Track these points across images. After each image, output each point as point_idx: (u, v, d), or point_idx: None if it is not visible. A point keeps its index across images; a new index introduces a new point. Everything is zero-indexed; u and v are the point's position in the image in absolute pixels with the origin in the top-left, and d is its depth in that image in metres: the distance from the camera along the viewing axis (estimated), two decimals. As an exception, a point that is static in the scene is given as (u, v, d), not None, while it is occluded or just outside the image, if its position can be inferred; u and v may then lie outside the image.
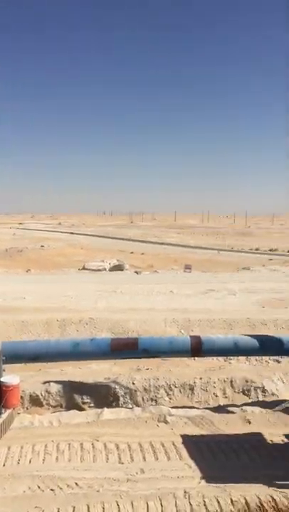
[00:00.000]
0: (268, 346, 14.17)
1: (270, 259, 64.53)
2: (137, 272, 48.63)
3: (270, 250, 79.25)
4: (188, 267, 49.76)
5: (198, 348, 13.84)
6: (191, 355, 14.41)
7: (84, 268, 50.09)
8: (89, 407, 15.68)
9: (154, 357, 14.65)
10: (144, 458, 11.36)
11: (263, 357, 19.51)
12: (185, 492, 9.93)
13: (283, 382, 16.73)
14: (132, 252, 73.67)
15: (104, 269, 50.48)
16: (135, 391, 16.04)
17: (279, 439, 12.49)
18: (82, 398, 16.08)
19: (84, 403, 15.95)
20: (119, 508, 9.39)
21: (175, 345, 13.91)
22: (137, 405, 15.52)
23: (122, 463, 11.17)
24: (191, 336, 14.52)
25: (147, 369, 17.43)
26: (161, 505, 9.49)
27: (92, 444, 11.95)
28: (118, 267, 52.03)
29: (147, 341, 14.16)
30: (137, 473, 10.68)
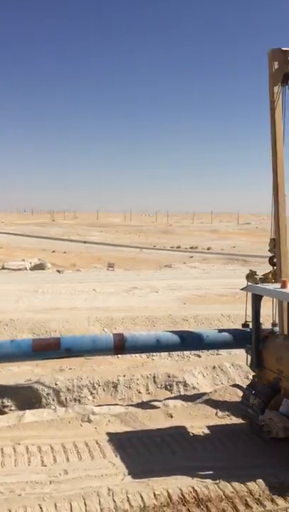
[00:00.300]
0: (189, 342, 14.57)
1: (191, 257, 66.18)
2: (59, 271, 47.95)
3: (190, 248, 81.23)
4: (111, 266, 49.84)
5: (121, 346, 13.93)
6: (114, 353, 14.48)
7: (3, 268, 48.64)
8: (10, 410, 15.29)
9: (77, 356, 14.56)
10: (67, 459, 11.27)
11: (185, 352, 20.03)
12: (109, 490, 9.97)
13: (204, 376, 17.28)
14: (53, 251, 72.49)
15: (25, 269, 49.31)
16: (58, 392, 15.86)
17: (200, 431, 12.88)
18: (2, 401, 15.65)
19: (5, 406, 15.54)
20: (42, 510, 9.24)
21: (98, 344, 13.88)
22: (61, 406, 15.35)
23: (45, 465, 11.00)
24: (114, 334, 14.58)
25: (70, 369, 17.29)
26: (85, 505, 9.46)
27: (14, 447, 11.66)
28: (40, 266, 51.00)
29: (70, 341, 14.03)
30: (60, 474, 10.57)
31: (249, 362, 13.28)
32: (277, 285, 12.19)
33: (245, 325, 14.81)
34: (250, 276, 14.61)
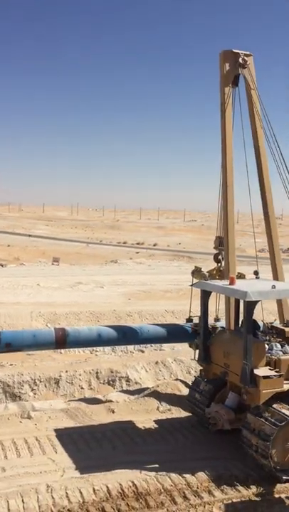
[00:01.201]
0: (130, 336, 14.63)
1: (137, 252, 66.47)
2: (2, 265, 46.83)
3: (137, 244, 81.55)
4: (56, 260, 49.22)
5: (63, 340, 13.72)
6: (55, 348, 14.25)
7: None
8: None
9: (17, 351, 14.25)
10: (5, 456, 11.04)
11: (128, 347, 20.09)
12: (48, 486, 9.86)
13: (146, 371, 17.39)
14: (-3, 244, 70.73)
15: None
16: (-2, 388, 15.49)
17: (141, 426, 12.98)
18: None
19: None
20: (-23, 510, 9.01)
21: (39, 338, 13.59)
22: (0, 402, 15.01)
23: (-18, 463, 10.73)
24: (55, 328, 14.34)
25: (11, 365, 16.92)
26: (23, 502, 9.31)
27: None
28: (-18, 260, 49.58)
29: (10, 335, 13.66)
30: (-3, 472, 10.35)
31: (196, 356, 13.48)
32: (226, 282, 12.46)
33: (189, 319, 15.07)
34: (196, 272, 14.89)
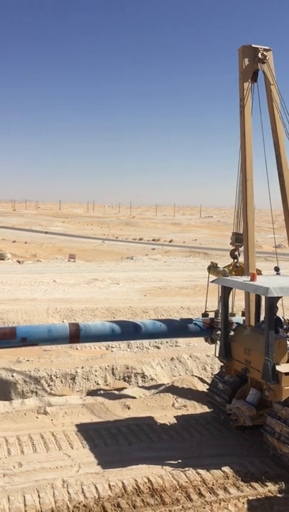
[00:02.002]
0: (142, 330, 14.78)
1: (153, 249, 66.49)
2: (19, 262, 47.22)
3: (152, 240, 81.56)
4: (72, 257, 49.48)
5: (76, 335, 13.98)
6: (69, 342, 14.47)
7: None
8: None
9: (33, 345, 14.48)
10: (22, 451, 11.11)
11: (144, 343, 20.11)
12: (63, 482, 9.90)
13: (162, 368, 17.38)
14: (14, 241, 71.37)
15: (-16, 259, 48.32)
16: (15, 384, 15.62)
17: (156, 422, 12.97)
18: None
19: None
20: (-6, 504, 9.09)
21: (54, 333, 13.87)
22: (17, 398, 15.14)
23: (-1, 458, 10.83)
24: (69, 323, 14.58)
25: (28, 360, 17.06)
26: (39, 497, 9.36)
27: None
28: (-1, 257, 50.07)
29: (25, 330, 13.92)
30: (14, 467, 10.41)
31: (217, 352, 13.43)
32: (247, 278, 12.38)
33: (205, 314, 15.11)
34: (212, 268, 14.90)
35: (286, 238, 14.95)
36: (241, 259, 14.59)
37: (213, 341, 15.01)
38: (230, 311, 14.51)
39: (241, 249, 14.49)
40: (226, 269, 14.52)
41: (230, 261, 14.95)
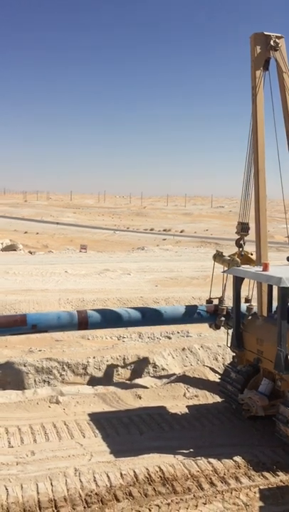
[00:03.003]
0: (149, 317, 15.07)
1: (164, 239, 66.40)
2: (31, 252, 47.47)
3: (164, 230, 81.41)
4: (83, 247, 49.59)
5: (85, 322, 14.39)
6: (78, 329, 14.86)
7: (-26, 248, 47.87)
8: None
9: (43, 332, 14.82)
10: (34, 440, 11.23)
11: (155, 334, 20.14)
12: (76, 470, 10.00)
13: (173, 358, 17.39)
14: (26, 232, 71.70)
15: (-4, 250, 48.64)
16: (27, 373, 15.75)
17: (168, 412, 13.02)
18: None
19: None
20: (7, 491, 9.20)
21: (63, 320, 14.29)
22: (29, 387, 15.27)
23: (12, 446, 10.94)
24: (78, 311, 14.99)
25: (40, 350, 17.18)
26: (52, 485, 9.47)
27: (-19, 429, 11.56)
28: (11, 247, 50.37)
29: (36, 317, 14.34)
30: (27, 455, 10.54)
31: (229, 343, 13.44)
32: (259, 268, 12.34)
33: (209, 301, 15.31)
34: (217, 256, 15.07)
35: (298, 228, 14.85)
36: (246, 248, 14.64)
37: (217, 327, 15.37)
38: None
39: (249, 238, 14.51)
40: (234, 257, 14.58)
41: (237, 250, 15.06)
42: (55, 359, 16.29)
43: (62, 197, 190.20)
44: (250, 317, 13.59)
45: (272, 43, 13.86)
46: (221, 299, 15.36)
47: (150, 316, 15.15)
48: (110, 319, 14.78)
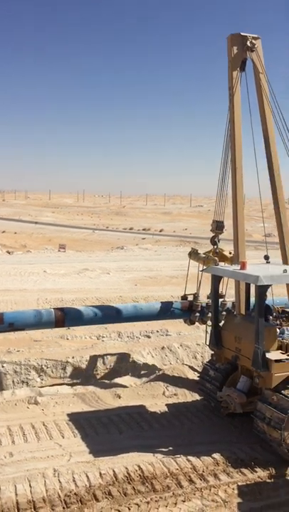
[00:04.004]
0: (123, 313, 15.24)
1: (143, 239, 66.35)
2: (9, 252, 46.96)
3: (143, 230, 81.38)
4: (62, 247, 49.26)
5: (61, 319, 14.40)
6: (55, 326, 14.86)
7: None
8: None
9: (20, 330, 14.73)
10: (13, 441, 11.13)
11: (134, 333, 20.14)
12: (54, 471, 9.95)
13: (152, 357, 17.44)
14: (3, 231, 70.88)
15: (-26, 250, 48.01)
16: (5, 374, 15.60)
17: (147, 411, 13.04)
18: None
19: None
20: (-15, 494, 9.11)
21: (40, 318, 14.24)
22: (7, 388, 15.13)
23: (-10, 448, 10.84)
24: (54, 309, 14.94)
25: (18, 351, 17.03)
26: (30, 486, 9.40)
27: None
28: (-11, 247, 49.72)
29: (12, 315, 14.26)
30: (5, 457, 10.44)
31: (208, 341, 13.51)
32: (237, 267, 12.44)
33: (184, 297, 15.46)
34: (192, 254, 15.21)
35: (276, 227, 15.02)
36: (222, 245, 14.88)
37: (192, 323, 15.56)
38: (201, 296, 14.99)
39: (221, 236, 14.82)
40: (212, 256, 14.69)
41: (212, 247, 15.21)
42: (34, 359, 16.18)
43: (40, 196, 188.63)
44: (225, 314, 13.73)
45: (248, 43, 13.99)
46: (196, 295, 15.47)
47: (126, 313, 15.28)
48: (86, 316, 14.82)
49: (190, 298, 15.67)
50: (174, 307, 15.72)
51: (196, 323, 15.79)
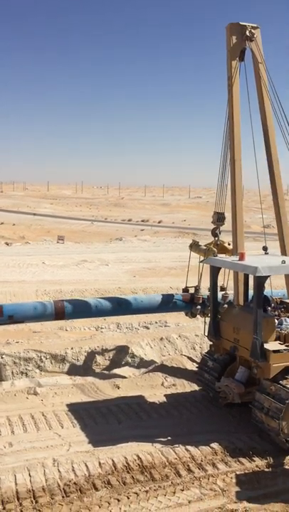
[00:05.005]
0: (125, 306, 15.13)
1: (142, 230, 66.29)
2: (7, 244, 46.92)
3: (141, 221, 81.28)
4: (61, 238, 49.24)
5: (61, 312, 14.31)
6: (55, 319, 14.78)
7: None
8: None
9: (19, 322, 14.71)
10: (12, 431, 11.20)
11: (133, 324, 20.18)
12: (54, 460, 10.01)
13: (151, 347, 17.48)
14: (2, 223, 70.74)
15: (-28, 241, 47.96)
16: (4, 365, 15.64)
17: (146, 401, 13.11)
18: None
19: None
20: (-15, 483, 9.17)
21: (39, 310, 14.17)
22: (7, 379, 15.18)
23: (-10, 438, 10.90)
24: (54, 301, 14.87)
25: (17, 342, 17.06)
26: (30, 476, 9.47)
27: None
28: (-13, 239, 49.67)
29: (12, 308, 14.20)
30: (4, 447, 10.50)
31: (207, 332, 13.55)
32: (235, 258, 12.45)
33: (185, 290, 15.39)
34: (194, 246, 15.13)
35: (274, 218, 15.01)
36: (223, 238, 14.75)
37: (193, 315, 15.46)
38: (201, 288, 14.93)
39: (225, 228, 14.60)
40: (211, 247, 14.66)
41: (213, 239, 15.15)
42: (33, 350, 16.22)
43: (39, 187, 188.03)
44: (226, 306, 13.72)
45: (247, 33, 13.89)
46: (197, 288, 15.45)
47: (126, 306, 15.20)
48: (87, 309, 14.76)
49: (191, 290, 15.59)
50: (175, 299, 15.61)
51: (199, 317, 15.77)
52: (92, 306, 14.77)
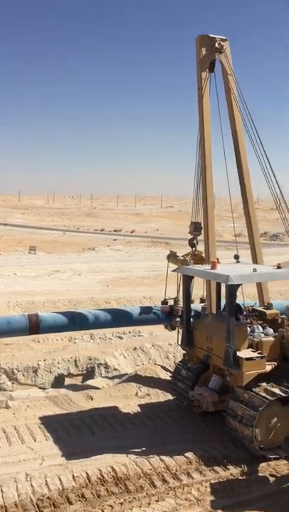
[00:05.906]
0: (102, 319, 14.80)
1: (115, 240, 66.26)
2: (-22, 255, 46.19)
3: (114, 231, 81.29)
4: (33, 249, 48.81)
5: (36, 326, 13.83)
6: (29, 333, 14.26)
7: None
8: None
9: None
10: (-17, 446, 10.95)
11: (106, 334, 20.10)
12: (27, 475, 9.82)
13: (125, 357, 17.42)
14: (-28, 234, 69.67)
15: None
16: (-25, 378, 15.34)
17: (120, 412, 13.01)
18: None
19: None
20: None
21: (13, 324, 13.67)
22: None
23: None
24: (28, 314, 14.34)
25: (-12, 355, 16.77)
26: (2, 491, 9.26)
27: None
28: None
29: None
30: (-25, 462, 10.26)
31: (180, 340, 13.53)
32: (207, 266, 12.50)
33: (164, 302, 15.23)
34: (171, 256, 15.04)
35: (245, 227, 15.20)
36: (199, 247, 14.81)
37: (172, 328, 15.20)
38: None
39: (199, 238, 14.68)
40: (186, 257, 14.65)
41: (190, 249, 15.11)
42: (5, 363, 15.96)
43: (10, 197, 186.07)
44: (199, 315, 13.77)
45: (217, 45, 14.12)
46: (176, 300, 15.28)
47: (104, 319, 14.79)
48: (62, 323, 14.29)
49: (170, 302, 15.23)
50: (154, 311, 15.33)
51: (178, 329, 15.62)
52: (67, 319, 14.32)
